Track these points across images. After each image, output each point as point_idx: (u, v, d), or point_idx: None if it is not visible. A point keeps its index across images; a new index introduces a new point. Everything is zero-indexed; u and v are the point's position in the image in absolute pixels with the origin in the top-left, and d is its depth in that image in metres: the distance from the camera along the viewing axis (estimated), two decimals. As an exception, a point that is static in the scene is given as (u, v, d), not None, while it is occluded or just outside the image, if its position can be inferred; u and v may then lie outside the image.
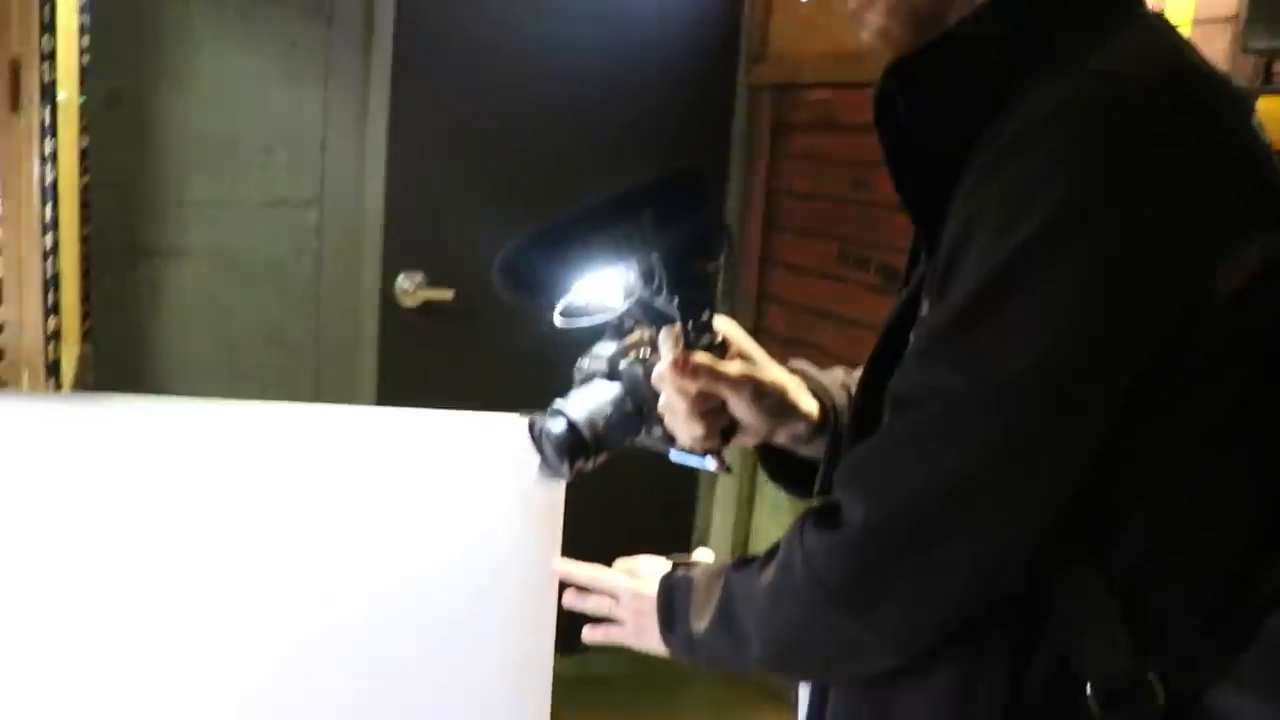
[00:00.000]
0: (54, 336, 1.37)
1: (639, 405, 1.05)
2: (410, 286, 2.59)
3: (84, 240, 1.87)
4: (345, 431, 1.17)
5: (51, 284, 1.32)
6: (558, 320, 0.99)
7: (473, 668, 1.21)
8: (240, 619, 1.20)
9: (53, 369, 1.38)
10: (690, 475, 2.90)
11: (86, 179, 1.85)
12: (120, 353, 2.30)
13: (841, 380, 1.08)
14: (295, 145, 2.45)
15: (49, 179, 1.32)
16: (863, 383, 0.94)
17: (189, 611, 1.20)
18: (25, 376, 1.34)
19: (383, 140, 2.52)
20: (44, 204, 1.31)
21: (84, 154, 1.84)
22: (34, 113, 1.23)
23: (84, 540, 1.17)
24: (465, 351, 2.69)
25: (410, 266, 2.60)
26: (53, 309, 1.34)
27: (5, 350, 1.23)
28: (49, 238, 1.35)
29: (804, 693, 1.02)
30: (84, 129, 1.87)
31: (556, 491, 1.15)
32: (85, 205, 1.90)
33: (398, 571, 1.19)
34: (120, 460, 1.16)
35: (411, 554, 1.19)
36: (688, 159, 2.48)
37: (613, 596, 1.08)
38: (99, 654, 1.18)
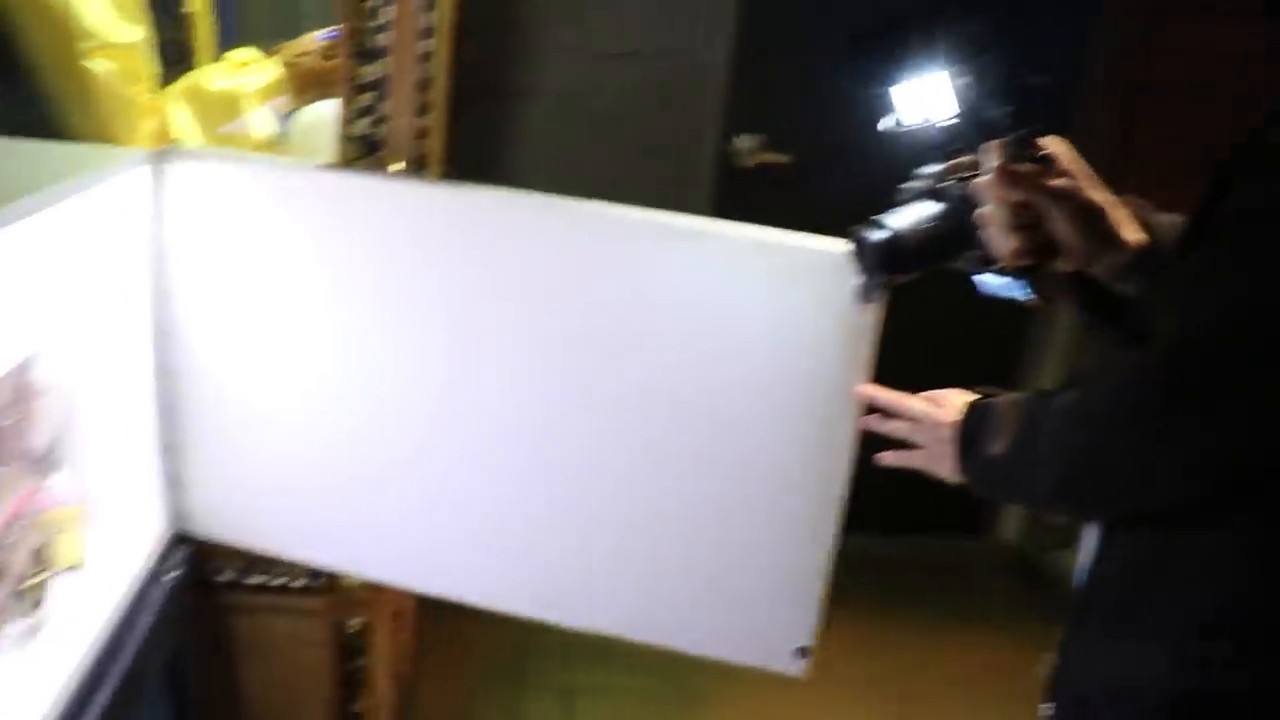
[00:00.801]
0: (420, 161, 1.54)
1: (959, 223, 1.05)
2: (749, 147, 2.65)
3: (451, 78, 2.07)
4: (669, 241, 1.24)
5: (419, 113, 1.48)
6: (887, 125, 1.03)
7: (767, 482, 1.27)
8: (554, 414, 1.32)
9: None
10: (1017, 320, 2.79)
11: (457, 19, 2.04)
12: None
13: (1175, 223, 1.03)
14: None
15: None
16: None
17: (511, 394, 1.34)
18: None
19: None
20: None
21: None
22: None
23: (437, 310, 1.32)
24: (798, 217, 2.71)
25: (750, 128, 2.65)
26: (420, 135, 1.50)
27: (387, 141, 1.40)
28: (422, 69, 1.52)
29: (1087, 539, 1.01)
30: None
31: (869, 317, 1.18)
32: (457, 45, 2.10)
33: (704, 379, 1.26)
34: (473, 243, 1.30)
35: (719, 363, 1.25)
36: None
37: (914, 421, 1.11)
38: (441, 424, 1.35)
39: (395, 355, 1.34)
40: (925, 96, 0.99)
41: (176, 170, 1.31)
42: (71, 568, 1.35)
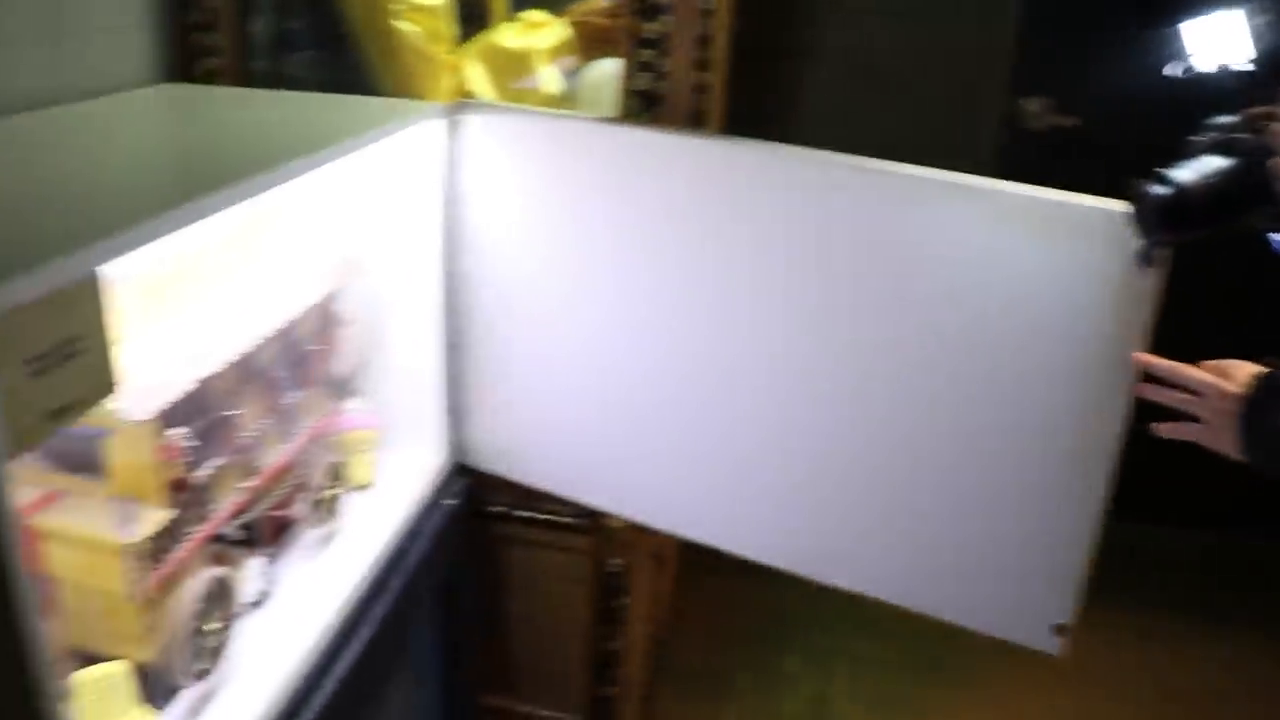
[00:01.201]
0: (697, 117, 1.56)
1: (1253, 177, 0.96)
2: (1036, 110, 2.52)
3: (731, 36, 2.08)
4: (944, 198, 1.20)
5: (698, 69, 1.50)
6: (1173, 70, 0.96)
7: (1034, 449, 1.22)
8: (824, 370, 1.31)
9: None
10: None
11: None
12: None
13: None
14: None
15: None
16: None
17: (780, 348, 1.34)
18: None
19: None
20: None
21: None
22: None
23: (709, 261, 1.35)
24: (1085, 182, 2.57)
25: (1038, 90, 2.52)
26: (698, 89, 1.52)
27: (666, 96, 1.44)
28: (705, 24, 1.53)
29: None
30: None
31: (1149, 281, 1.10)
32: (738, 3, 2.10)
33: (976, 341, 1.22)
34: (747, 197, 1.31)
35: (991, 325, 1.21)
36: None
37: (1195, 392, 1.04)
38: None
39: (667, 306, 1.37)
40: (1219, 38, 0.91)
41: (470, 122, 1.40)
42: (363, 487, 1.48)
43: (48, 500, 1.05)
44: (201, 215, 0.90)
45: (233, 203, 0.94)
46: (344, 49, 1.65)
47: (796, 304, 1.30)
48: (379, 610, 1.29)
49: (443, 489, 1.54)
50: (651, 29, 1.40)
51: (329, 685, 1.17)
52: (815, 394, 1.33)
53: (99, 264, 0.78)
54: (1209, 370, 1.04)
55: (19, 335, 0.72)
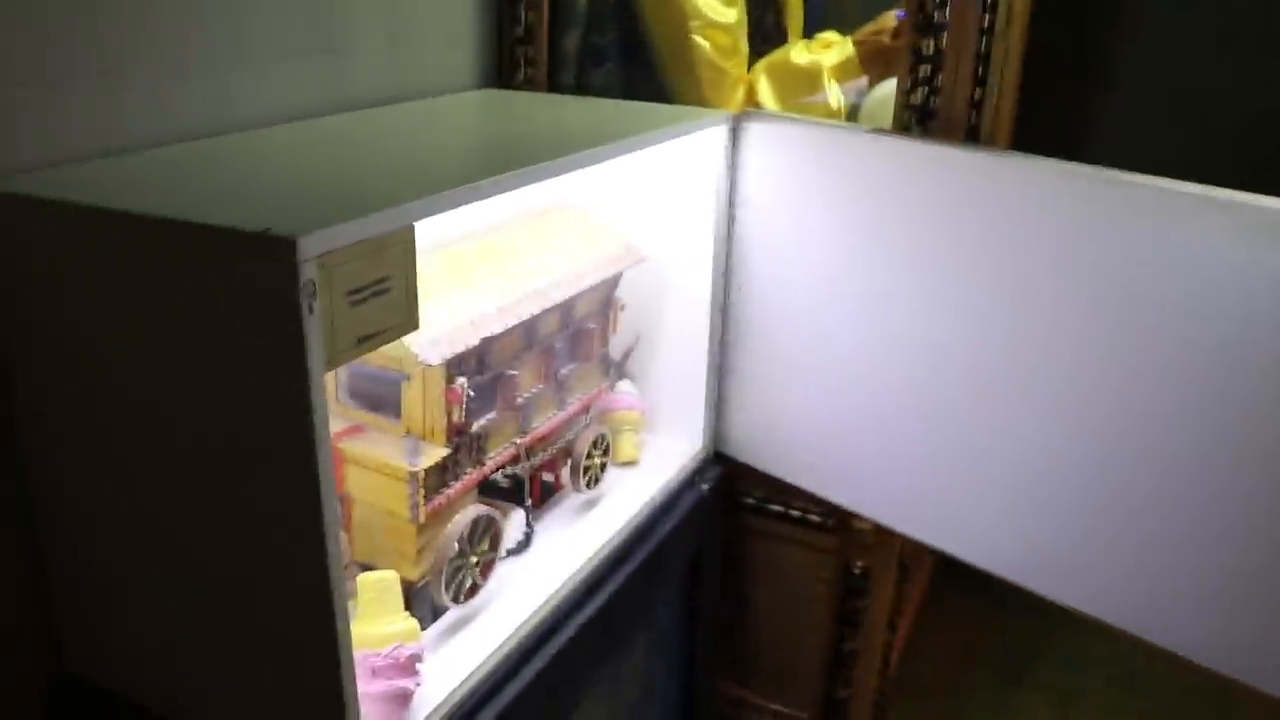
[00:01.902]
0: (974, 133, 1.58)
1: None
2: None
3: (1024, 59, 2.08)
4: (1200, 213, 1.17)
5: (976, 84, 1.52)
6: None
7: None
8: (1086, 389, 1.30)
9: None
10: None
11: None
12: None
13: None
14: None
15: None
16: None
17: (1042, 366, 1.34)
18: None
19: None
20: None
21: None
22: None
23: (974, 273, 1.37)
24: None
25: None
26: (974, 105, 1.54)
27: (939, 111, 1.47)
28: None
29: None
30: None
31: None
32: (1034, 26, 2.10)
33: (1239, 362, 1.17)
34: (1019, 213, 1.32)
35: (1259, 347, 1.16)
36: None
37: None
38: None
39: (925, 315, 1.40)
40: None
41: (751, 129, 1.49)
42: (628, 463, 1.59)
43: (352, 431, 1.22)
44: (500, 189, 1.03)
45: (528, 182, 1.07)
46: (647, 64, 1.80)
47: (1055, 319, 1.30)
48: (626, 570, 1.40)
49: (699, 472, 1.63)
50: (928, 44, 1.44)
51: (571, 629, 1.28)
52: (1069, 411, 1.32)
53: (412, 219, 0.93)
54: None
55: (344, 270, 0.87)
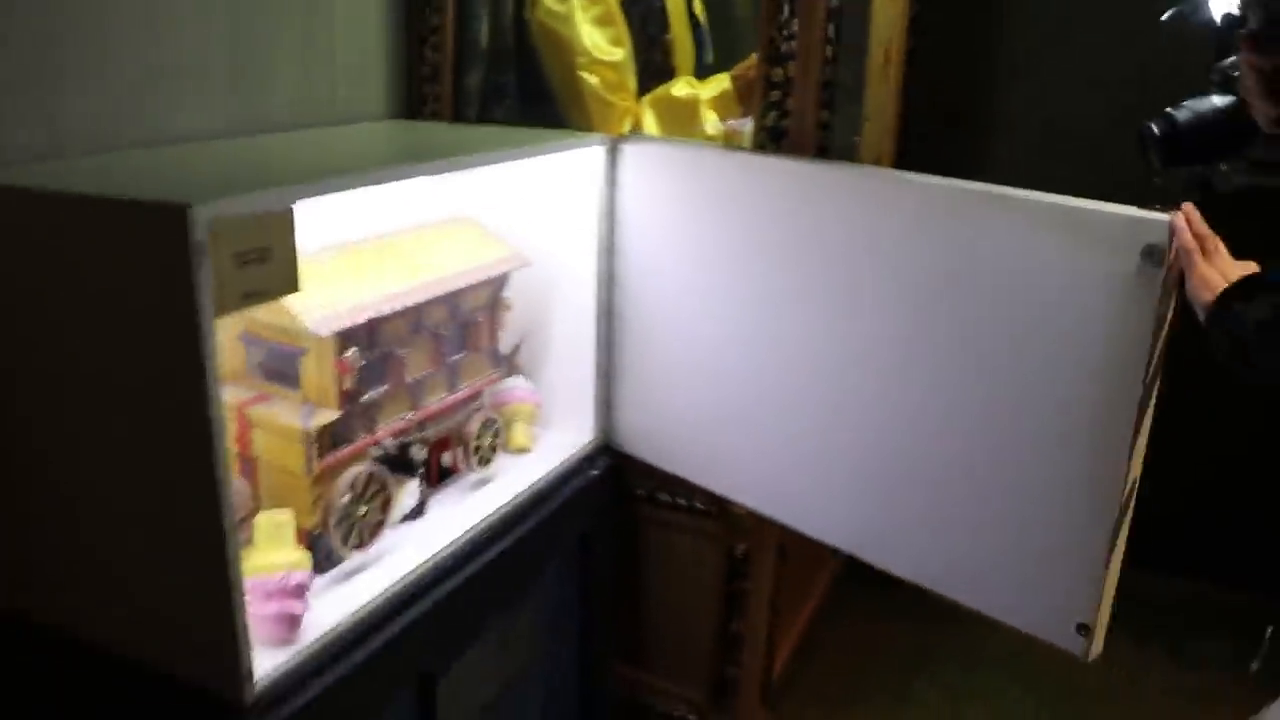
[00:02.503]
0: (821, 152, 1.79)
1: (1242, 115, 1.10)
2: (1228, 171, 2.57)
3: (903, 101, 2.32)
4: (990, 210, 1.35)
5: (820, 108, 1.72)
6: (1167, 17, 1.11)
7: (1059, 444, 1.31)
8: (899, 379, 1.48)
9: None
10: None
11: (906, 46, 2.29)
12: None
13: None
14: (1110, 31, 2.58)
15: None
16: None
17: (866, 358, 1.52)
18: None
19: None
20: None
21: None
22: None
23: (815, 275, 1.56)
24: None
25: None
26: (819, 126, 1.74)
27: (789, 132, 1.69)
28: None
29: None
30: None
31: (1157, 287, 1.20)
32: (909, 70, 2.34)
33: (1015, 343, 1.33)
34: (839, 214, 1.52)
35: (1026, 327, 1.32)
36: None
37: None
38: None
39: (778, 314, 1.59)
40: None
41: (627, 150, 1.69)
42: (520, 450, 1.77)
43: (257, 400, 1.40)
44: (369, 181, 1.23)
45: (399, 177, 1.27)
46: (545, 99, 2.01)
47: (881, 314, 1.47)
48: (515, 534, 1.56)
49: (589, 459, 1.81)
50: (778, 73, 1.66)
51: (455, 582, 1.44)
52: (890, 396, 1.49)
53: (290, 201, 1.12)
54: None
55: (232, 236, 1.05)
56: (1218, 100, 1.13)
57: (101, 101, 1.39)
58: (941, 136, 2.76)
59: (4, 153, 1.28)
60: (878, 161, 2.39)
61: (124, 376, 1.11)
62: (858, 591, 2.62)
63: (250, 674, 1.15)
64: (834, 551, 2.18)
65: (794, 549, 2.06)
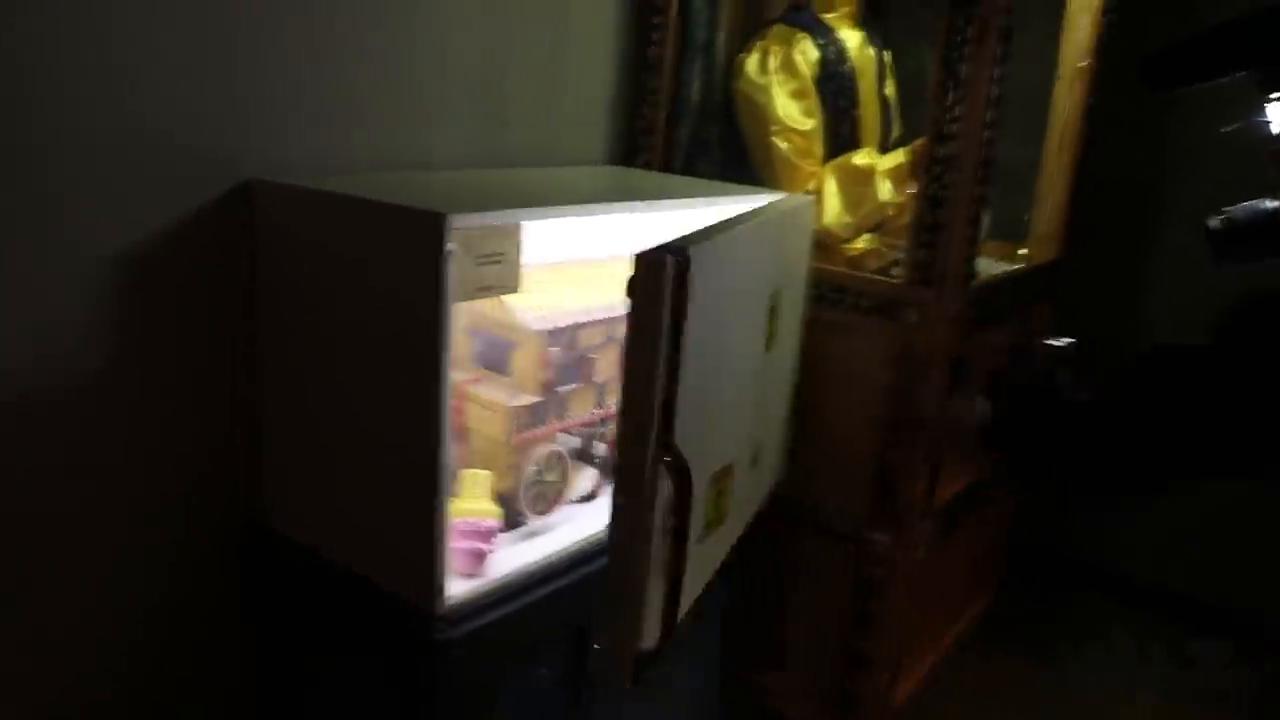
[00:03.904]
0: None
1: None
2: None
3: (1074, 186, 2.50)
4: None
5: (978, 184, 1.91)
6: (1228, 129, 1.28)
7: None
8: None
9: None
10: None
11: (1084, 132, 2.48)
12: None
13: None
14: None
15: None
16: None
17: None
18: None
19: None
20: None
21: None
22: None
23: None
24: None
25: None
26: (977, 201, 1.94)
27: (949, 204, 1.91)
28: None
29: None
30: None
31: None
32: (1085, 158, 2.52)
33: None
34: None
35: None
36: None
37: None
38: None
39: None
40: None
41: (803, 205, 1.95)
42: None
43: (475, 381, 1.72)
44: (582, 212, 1.53)
45: (608, 211, 1.57)
46: (741, 156, 2.29)
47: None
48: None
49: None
50: (942, 151, 1.89)
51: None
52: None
53: (520, 219, 1.43)
54: None
55: (474, 241, 1.37)
56: (1270, 203, 1.28)
57: (382, 132, 1.75)
58: (1115, 220, 2.90)
59: (309, 165, 1.64)
60: (1044, 239, 2.56)
61: (378, 343, 1.43)
62: (1004, 629, 2.75)
63: (442, 591, 1.44)
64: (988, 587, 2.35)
65: (930, 581, 2.24)
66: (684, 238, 1.21)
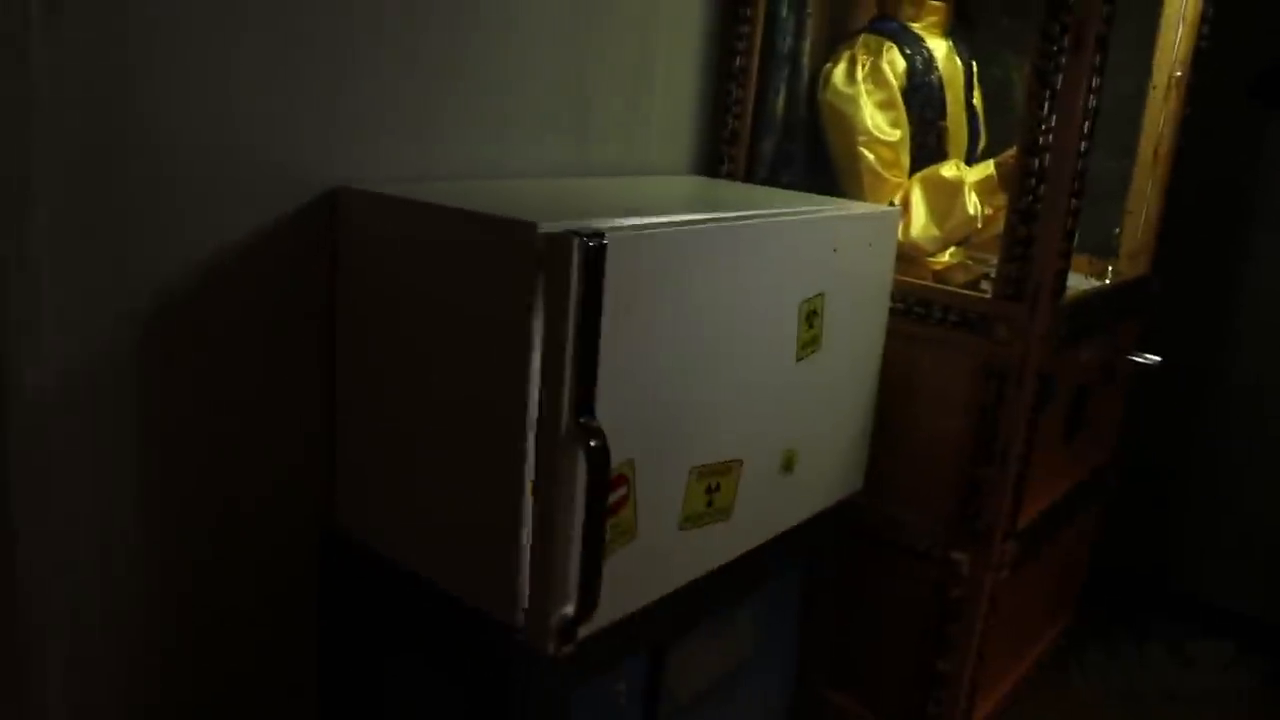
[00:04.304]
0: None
1: None
2: None
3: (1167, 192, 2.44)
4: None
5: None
6: None
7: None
8: None
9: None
10: None
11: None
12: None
13: None
14: None
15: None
16: None
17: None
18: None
19: None
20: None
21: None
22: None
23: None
24: None
25: None
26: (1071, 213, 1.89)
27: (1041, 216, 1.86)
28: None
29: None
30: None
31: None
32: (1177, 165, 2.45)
33: None
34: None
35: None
36: None
37: None
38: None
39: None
40: None
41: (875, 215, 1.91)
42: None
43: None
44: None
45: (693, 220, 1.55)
46: (826, 167, 2.27)
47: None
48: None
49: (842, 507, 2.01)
50: (1033, 164, 1.84)
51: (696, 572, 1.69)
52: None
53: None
54: None
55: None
56: None
57: (469, 142, 1.75)
58: (1205, 235, 2.82)
59: (390, 172, 1.65)
60: (1134, 255, 2.50)
61: (462, 352, 1.43)
62: (1082, 661, 2.70)
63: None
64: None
65: (1011, 603, 2.20)
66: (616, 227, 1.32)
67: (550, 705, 1.49)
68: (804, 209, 1.73)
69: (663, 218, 1.43)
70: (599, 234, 1.26)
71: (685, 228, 1.44)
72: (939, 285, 2.12)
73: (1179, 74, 2.44)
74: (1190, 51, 2.43)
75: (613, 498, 1.38)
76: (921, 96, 2.22)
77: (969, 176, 2.14)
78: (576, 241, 1.24)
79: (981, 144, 2.38)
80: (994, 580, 2.07)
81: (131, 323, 1.40)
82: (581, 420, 1.29)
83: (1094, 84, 1.83)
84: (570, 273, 1.24)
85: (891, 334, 1.97)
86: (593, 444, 1.29)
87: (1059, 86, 1.81)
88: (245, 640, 1.65)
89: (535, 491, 1.34)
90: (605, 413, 1.32)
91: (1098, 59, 1.81)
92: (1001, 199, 2.11)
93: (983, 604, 2.08)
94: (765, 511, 1.76)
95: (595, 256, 1.25)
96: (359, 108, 1.58)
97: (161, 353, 1.44)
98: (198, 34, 1.38)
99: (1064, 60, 1.81)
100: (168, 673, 1.56)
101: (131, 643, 1.51)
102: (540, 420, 1.31)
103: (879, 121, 2.17)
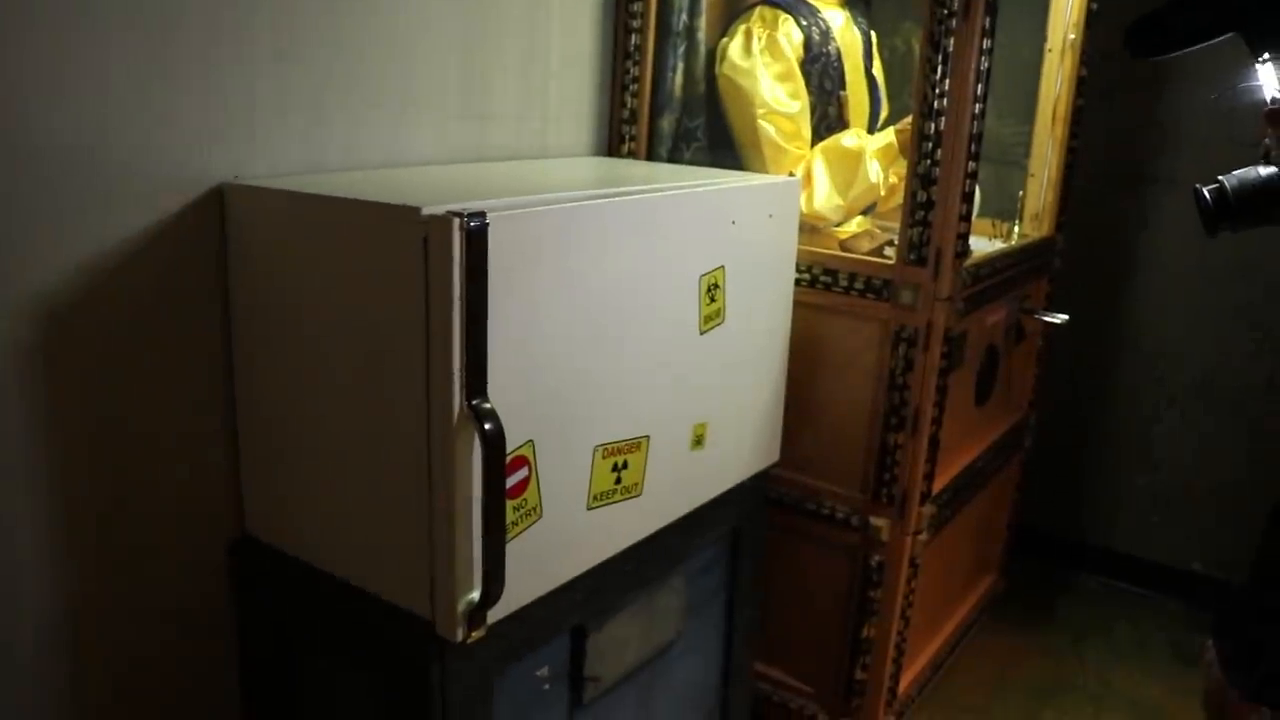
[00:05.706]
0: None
1: None
2: None
3: (1068, 157, 2.46)
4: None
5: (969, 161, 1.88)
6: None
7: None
8: None
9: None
10: None
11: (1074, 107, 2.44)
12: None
13: None
14: None
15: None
16: None
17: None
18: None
19: None
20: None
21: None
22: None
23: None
24: None
25: None
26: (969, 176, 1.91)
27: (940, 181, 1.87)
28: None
29: None
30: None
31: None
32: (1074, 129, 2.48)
33: None
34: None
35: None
36: None
37: None
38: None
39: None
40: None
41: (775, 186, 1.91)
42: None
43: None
44: (568, 200, 1.50)
45: (592, 199, 1.53)
46: (728, 142, 2.26)
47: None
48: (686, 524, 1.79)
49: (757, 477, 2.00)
50: (930, 127, 1.86)
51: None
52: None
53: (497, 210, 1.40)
54: None
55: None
56: (1263, 170, 1.27)
57: (356, 130, 1.72)
58: (1108, 194, 2.87)
59: (279, 166, 1.61)
60: (1039, 216, 2.53)
61: (361, 342, 1.40)
62: (1006, 618, 2.74)
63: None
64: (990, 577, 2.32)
65: (932, 566, 2.22)
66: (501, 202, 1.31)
67: (470, 693, 1.47)
68: (700, 182, 1.72)
69: (549, 195, 1.41)
70: (480, 214, 1.24)
71: (572, 205, 1.42)
72: (845, 254, 2.13)
73: (1073, 36, 2.47)
74: (1083, 13, 2.46)
75: (514, 479, 1.37)
76: (820, 67, 2.22)
77: (870, 145, 2.15)
78: (457, 222, 1.21)
79: (884, 113, 2.39)
80: (914, 544, 2.09)
81: (14, 329, 1.35)
82: (474, 403, 1.27)
83: (985, 45, 1.84)
84: (451, 253, 1.21)
85: (800, 305, 1.97)
86: (486, 426, 1.26)
87: (950, 50, 1.82)
88: (159, 660, 1.61)
89: (431, 477, 1.31)
90: (500, 395, 1.30)
91: (988, 21, 1.83)
92: (904, 166, 2.12)
93: (904, 568, 2.10)
94: (678, 488, 1.75)
95: (477, 236, 1.23)
96: (241, 102, 1.54)
97: (47, 359, 1.39)
98: (68, 35, 1.33)
99: (955, 24, 1.82)
100: (77, 697, 1.52)
101: (34, 669, 1.46)
102: (430, 405, 1.29)
103: (777, 94, 2.17)
